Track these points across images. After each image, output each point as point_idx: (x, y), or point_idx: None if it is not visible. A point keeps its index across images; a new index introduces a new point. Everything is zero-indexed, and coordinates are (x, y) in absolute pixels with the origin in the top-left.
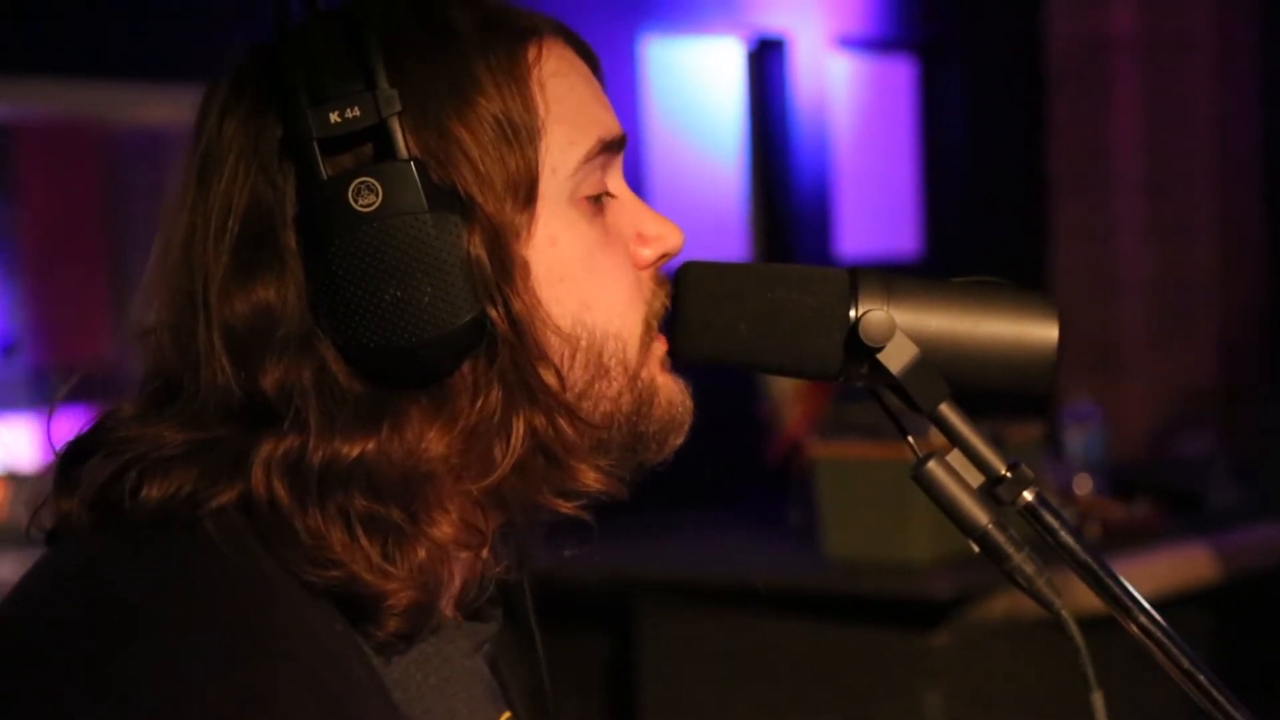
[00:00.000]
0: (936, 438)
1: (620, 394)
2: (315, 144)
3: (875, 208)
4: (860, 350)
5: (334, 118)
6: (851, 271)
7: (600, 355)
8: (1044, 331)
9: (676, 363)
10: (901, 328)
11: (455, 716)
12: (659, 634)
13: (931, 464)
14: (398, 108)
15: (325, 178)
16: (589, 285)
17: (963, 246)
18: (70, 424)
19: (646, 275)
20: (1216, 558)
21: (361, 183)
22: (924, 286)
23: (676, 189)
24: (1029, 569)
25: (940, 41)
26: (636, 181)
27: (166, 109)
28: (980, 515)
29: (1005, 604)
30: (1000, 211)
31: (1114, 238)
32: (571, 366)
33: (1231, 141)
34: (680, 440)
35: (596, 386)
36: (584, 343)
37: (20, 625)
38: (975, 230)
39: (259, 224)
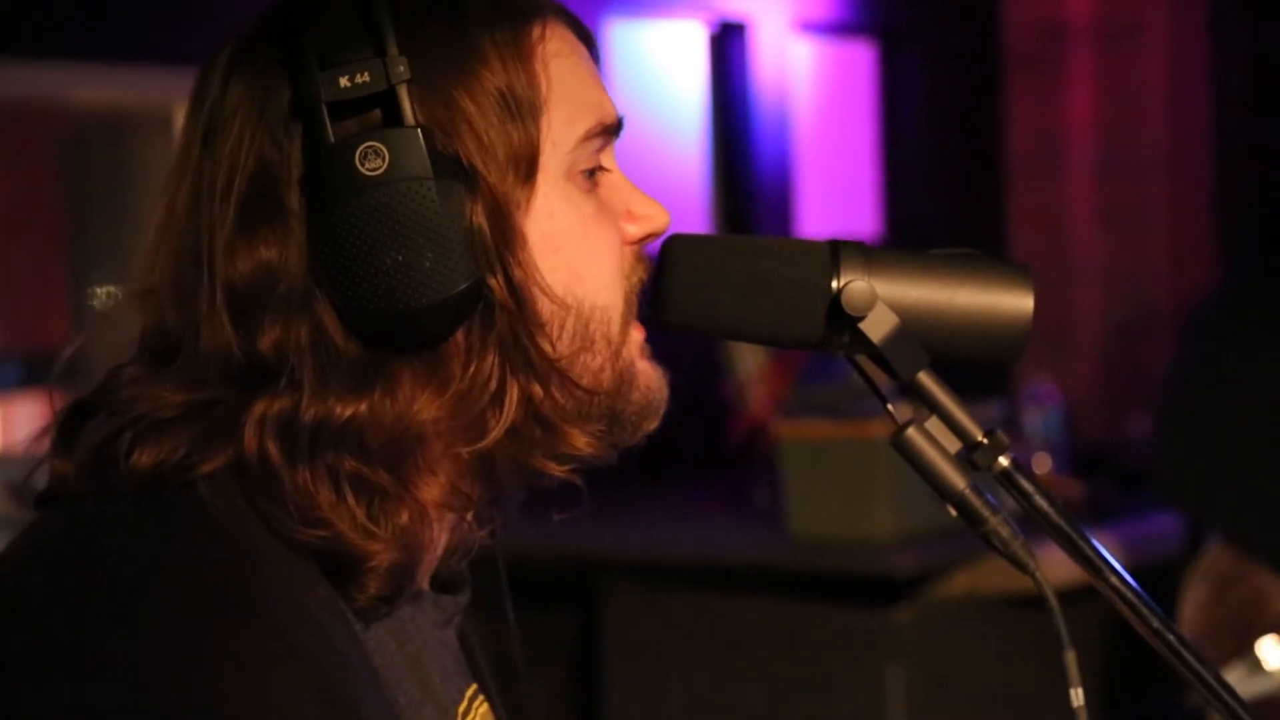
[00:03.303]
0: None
1: (603, 368)
2: (324, 107)
3: (835, 190)
4: (842, 320)
5: (344, 82)
6: (832, 243)
7: (587, 326)
8: (1019, 301)
9: (656, 342)
10: (882, 298)
11: (427, 685)
12: (624, 613)
13: (910, 430)
14: (407, 75)
15: (333, 141)
16: (581, 257)
17: (921, 229)
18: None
19: (629, 251)
20: (1174, 533)
21: (369, 147)
22: (903, 258)
23: (639, 170)
24: (1004, 532)
25: (900, 27)
26: None
27: (126, 90)
28: (957, 479)
29: (966, 581)
30: (959, 195)
31: (1068, 223)
32: (561, 336)
33: (1183, 128)
34: (654, 425)
35: (582, 358)
36: (574, 313)
37: (8, 596)
38: (934, 213)
39: (264, 185)
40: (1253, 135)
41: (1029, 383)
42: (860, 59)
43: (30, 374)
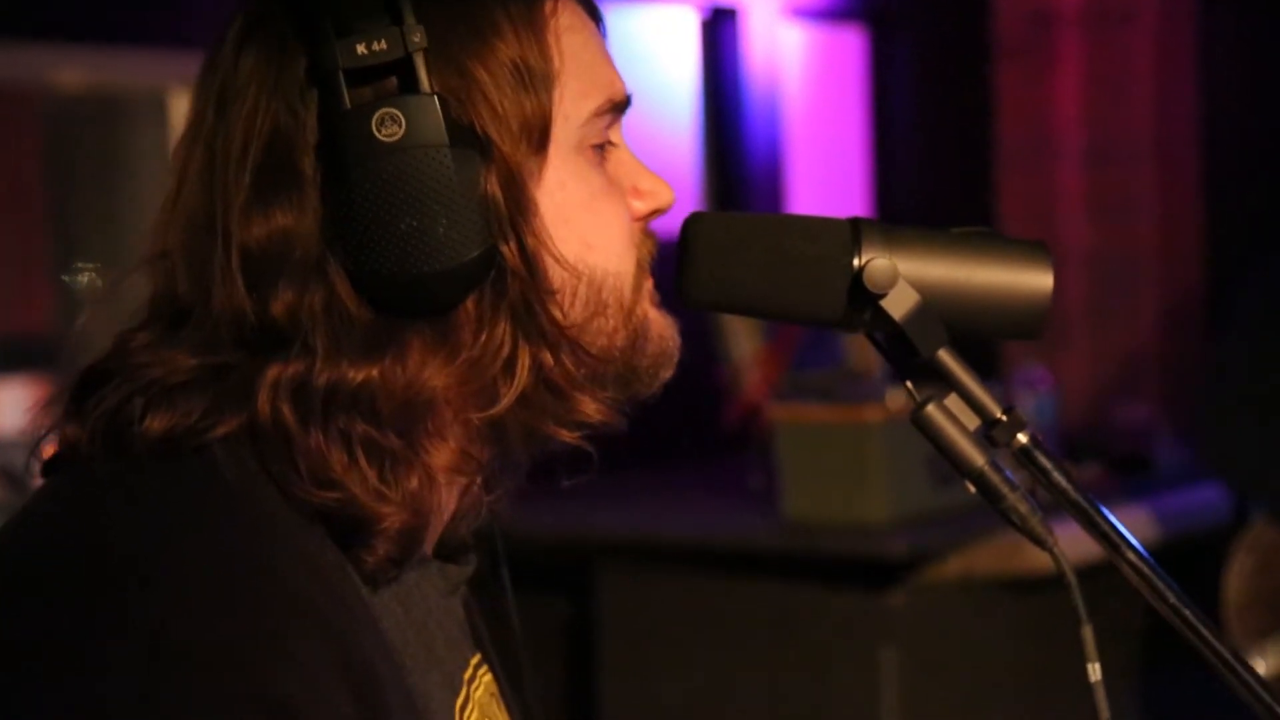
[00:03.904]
0: (893, 403)
1: (616, 330)
2: (341, 74)
3: (826, 176)
4: (863, 298)
5: (360, 49)
6: (853, 221)
7: (600, 293)
8: (1039, 279)
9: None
10: (903, 275)
11: (432, 652)
12: (618, 596)
13: (930, 407)
14: (424, 44)
15: (349, 107)
16: (591, 228)
17: (911, 215)
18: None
19: (639, 226)
20: (1163, 519)
21: (386, 113)
22: (923, 235)
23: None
24: (1023, 508)
25: (890, 13)
26: None
27: (113, 72)
28: (977, 456)
29: (960, 564)
30: (948, 181)
31: (1057, 209)
32: (573, 303)
33: (1172, 115)
34: (670, 373)
35: (595, 323)
36: (585, 280)
37: (24, 560)
38: (923, 199)
39: (280, 151)
40: (1241, 122)
41: (1021, 368)
42: (851, 45)
43: (13, 358)
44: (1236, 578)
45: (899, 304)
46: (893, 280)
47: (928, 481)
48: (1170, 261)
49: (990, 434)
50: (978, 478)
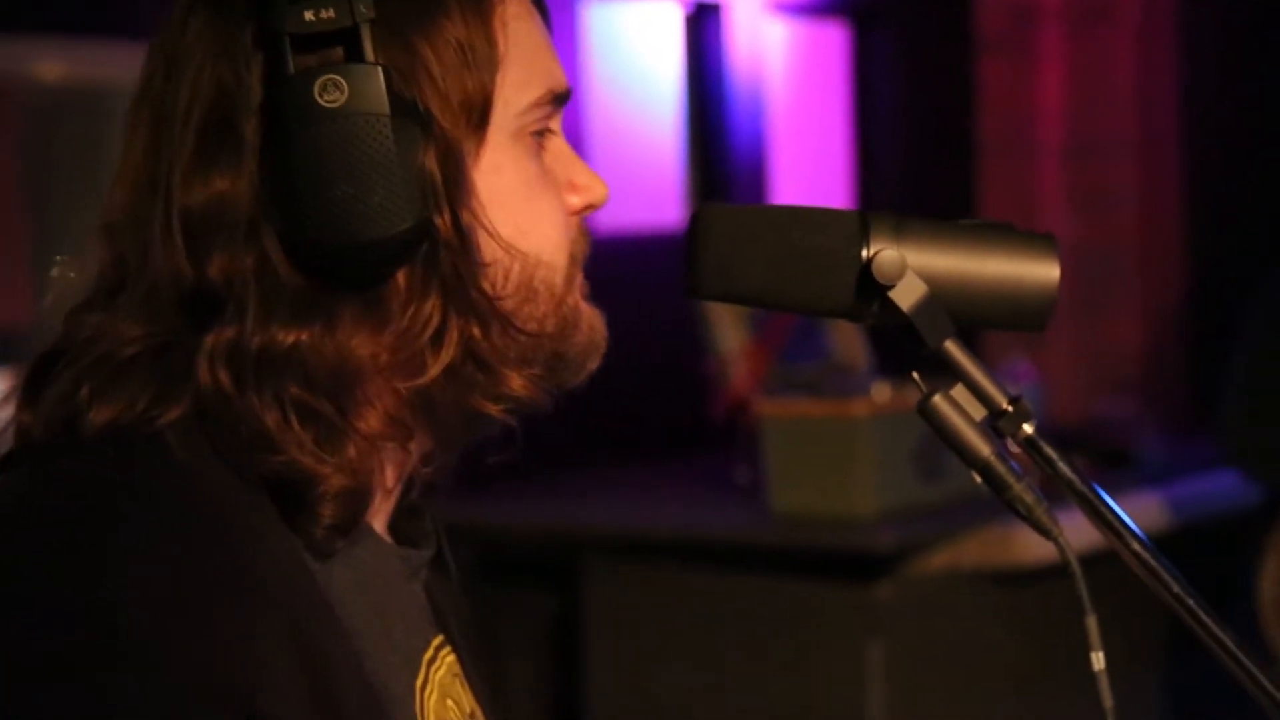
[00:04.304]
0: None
1: (545, 316)
2: (287, 39)
3: (809, 169)
4: (872, 289)
5: (308, 16)
6: (861, 213)
7: (531, 280)
8: (1046, 271)
9: (636, 323)
10: (911, 266)
11: (391, 634)
12: (605, 590)
13: (936, 398)
14: (371, 14)
15: (293, 71)
16: (525, 215)
17: (894, 209)
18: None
19: (574, 221)
20: (1149, 512)
21: (329, 79)
22: (931, 227)
23: (616, 150)
24: (1028, 498)
25: (872, 8)
26: (577, 142)
27: (94, 64)
28: (982, 446)
29: (946, 557)
30: (930, 175)
31: (1039, 203)
32: (505, 282)
33: (1153, 109)
34: (596, 365)
35: (526, 309)
36: (519, 262)
37: None
38: (906, 193)
39: (222, 113)
40: (1221, 117)
41: (1006, 361)
42: (833, 40)
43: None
44: (1270, 579)
45: (907, 295)
46: (901, 271)
47: (914, 475)
48: (1151, 255)
49: (996, 424)
50: (984, 468)
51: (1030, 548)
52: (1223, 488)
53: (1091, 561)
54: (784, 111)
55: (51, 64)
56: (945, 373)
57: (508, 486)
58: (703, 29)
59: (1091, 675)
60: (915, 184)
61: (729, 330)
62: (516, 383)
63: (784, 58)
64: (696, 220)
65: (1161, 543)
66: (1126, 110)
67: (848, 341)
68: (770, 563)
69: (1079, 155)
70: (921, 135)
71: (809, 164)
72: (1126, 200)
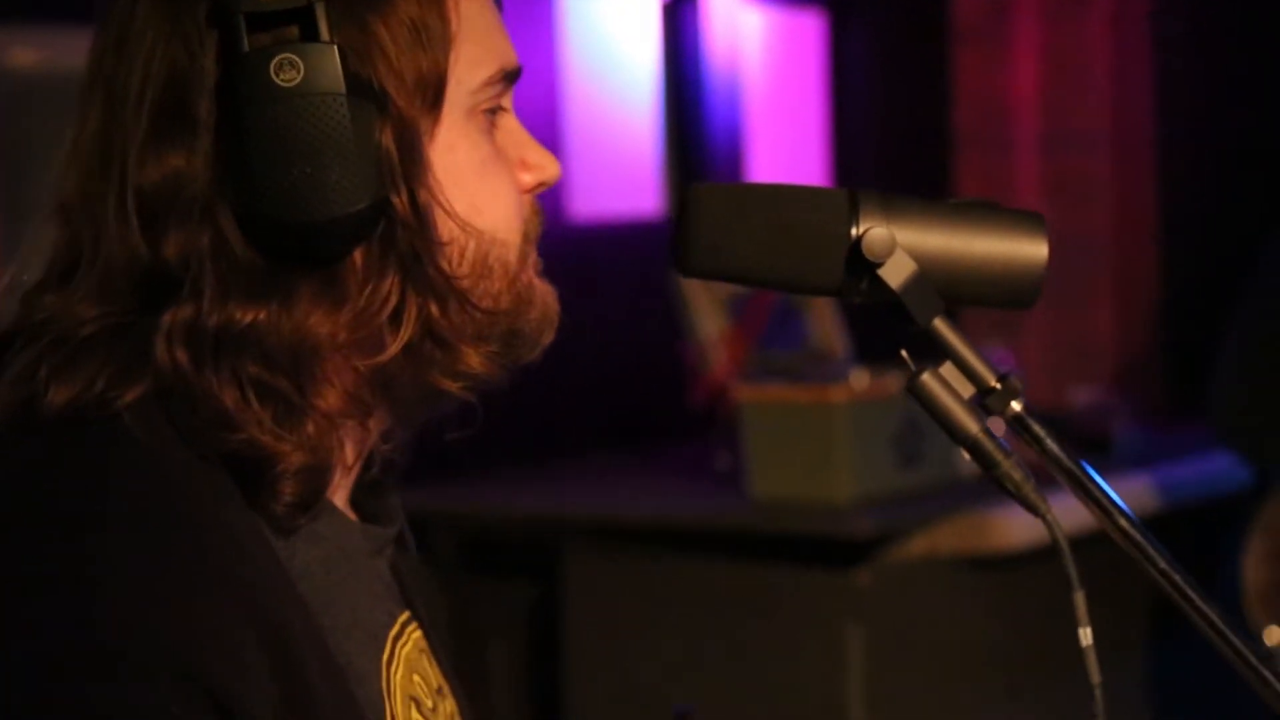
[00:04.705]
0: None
1: (500, 293)
2: (241, 17)
3: (786, 158)
4: (861, 266)
5: None
6: (850, 191)
7: (486, 257)
8: (1034, 249)
9: (613, 310)
10: (900, 244)
11: (356, 610)
12: (585, 576)
13: (925, 376)
14: None
15: (248, 50)
16: (479, 192)
17: None
18: None
19: (527, 199)
20: (1127, 498)
21: (285, 58)
22: (920, 205)
23: (594, 138)
24: (1016, 475)
25: None
26: (554, 130)
27: (67, 52)
28: (971, 424)
29: (924, 543)
30: (906, 165)
31: (1014, 193)
32: (461, 260)
33: (1127, 100)
34: (550, 339)
35: (481, 285)
36: (474, 239)
37: None
38: (882, 183)
39: (176, 92)
40: (1195, 107)
41: (982, 349)
42: (809, 28)
43: None
44: (1253, 561)
45: (896, 273)
46: (890, 249)
47: (893, 461)
48: (1126, 245)
49: (985, 402)
50: (972, 444)
51: (1009, 532)
52: (1199, 475)
53: (1073, 546)
54: (760, 100)
55: (24, 51)
56: (928, 354)
57: (488, 474)
58: (680, 17)
59: (1071, 657)
60: (891, 173)
61: (708, 317)
62: (474, 359)
63: (761, 46)
64: (687, 198)
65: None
66: (1101, 101)
67: (826, 328)
68: (750, 549)
69: (1054, 145)
70: (897, 125)
71: (785, 152)
72: (1101, 190)
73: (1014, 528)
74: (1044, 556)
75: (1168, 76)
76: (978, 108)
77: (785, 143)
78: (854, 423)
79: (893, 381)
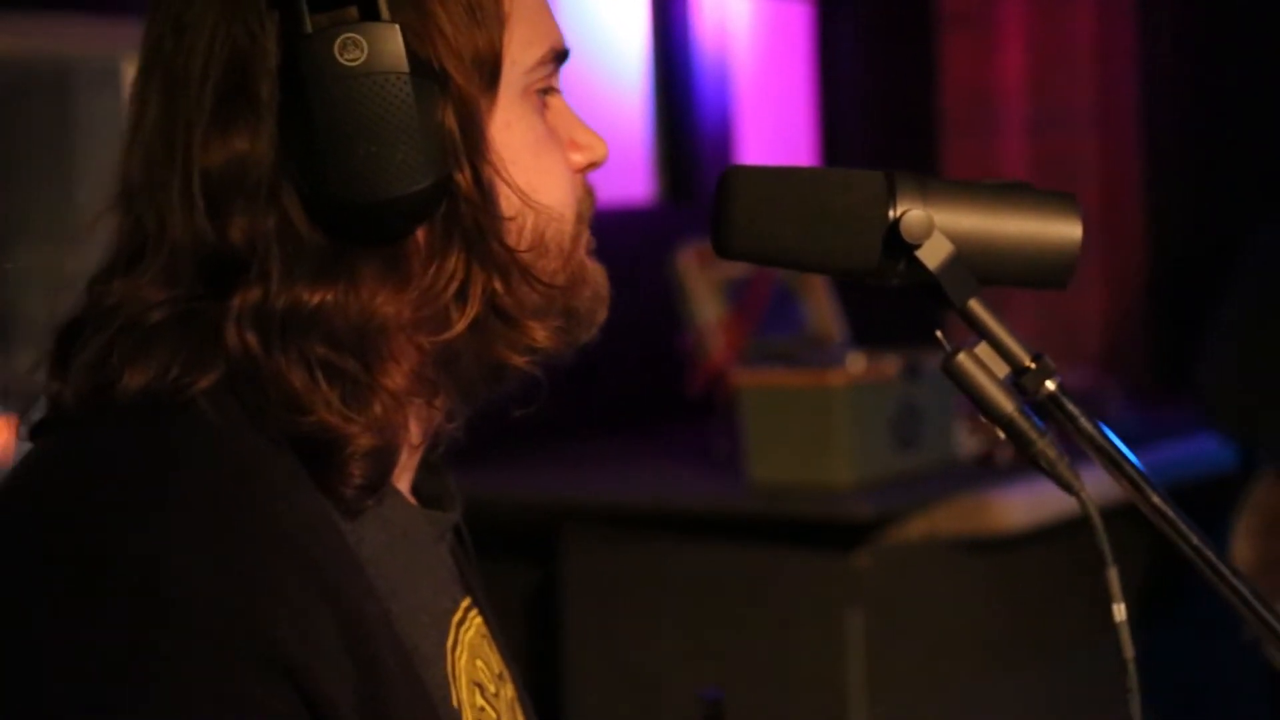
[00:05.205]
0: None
1: (556, 271)
2: None
3: (775, 145)
4: (899, 248)
5: None
6: (887, 173)
7: (544, 234)
8: (1069, 229)
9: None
10: (937, 226)
11: (419, 594)
12: (585, 560)
13: (961, 356)
14: None
15: (310, 31)
16: (535, 171)
17: None
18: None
19: (579, 179)
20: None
21: (348, 38)
22: (955, 187)
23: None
24: (1051, 454)
25: None
26: None
27: (61, 40)
28: (1006, 403)
29: (923, 525)
30: (894, 150)
31: (1001, 175)
32: (521, 235)
33: (1113, 84)
34: (604, 316)
35: (540, 263)
36: (533, 219)
37: (7, 524)
38: (870, 166)
39: (238, 74)
40: (1179, 91)
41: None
42: (798, 14)
43: None
44: (1242, 538)
45: (934, 254)
46: (928, 231)
47: (891, 444)
48: (1112, 226)
49: (1019, 381)
50: (1007, 424)
51: (1007, 514)
52: (1187, 455)
53: (1074, 529)
54: (750, 86)
55: (9, 39)
56: (928, 342)
57: (487, 458)
58: (669, 3)
59: (1069, 637)
60: (879, 158)
61: (706, 303)
62: (540, 333)
63: (749, 32)
64: (725, 182)
65: (1129, 509)
66: (1087, 85)
67: (823, 313)
68: (749, 532)
69: (1040, 129)
70: (885, 109)
71: (775, 138)
72: (1088, 172)
73: (1012, 509)
74: (1043, 537)
75: (1153, 59)
76: (965, 91)
77: (775, 128)
78: (852, 406)
79: (890, 365)
